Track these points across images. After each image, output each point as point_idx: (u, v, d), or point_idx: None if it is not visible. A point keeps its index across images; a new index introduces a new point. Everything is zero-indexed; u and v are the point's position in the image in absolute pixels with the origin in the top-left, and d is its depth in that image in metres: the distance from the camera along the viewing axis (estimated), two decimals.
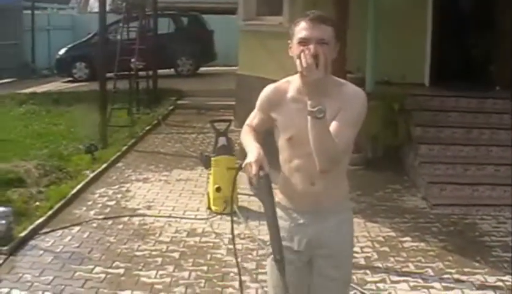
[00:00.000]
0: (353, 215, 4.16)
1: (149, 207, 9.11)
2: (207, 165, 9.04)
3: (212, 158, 8.84)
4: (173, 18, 26.95)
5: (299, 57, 3.55)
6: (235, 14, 17.47)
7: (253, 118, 4.17)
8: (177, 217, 8.65)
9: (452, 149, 10.53)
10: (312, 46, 3.59)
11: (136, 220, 8.58)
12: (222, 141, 8.88)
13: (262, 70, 13.79)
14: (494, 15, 13.21)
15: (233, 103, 15.70)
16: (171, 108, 17.72)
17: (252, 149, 3.88)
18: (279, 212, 3.93)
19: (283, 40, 12.40)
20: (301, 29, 3.72)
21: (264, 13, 14.45)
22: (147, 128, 14.72)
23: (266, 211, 3.77)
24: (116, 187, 10.17)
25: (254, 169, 3.71)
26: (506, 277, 6.92)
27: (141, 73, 17.42)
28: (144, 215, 8.76)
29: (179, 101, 18.75)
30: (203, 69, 26.91)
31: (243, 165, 3.81)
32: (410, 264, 7.16)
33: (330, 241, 3.94)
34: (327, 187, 3.88)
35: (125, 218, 8.63)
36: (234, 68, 17.04)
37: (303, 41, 3.67)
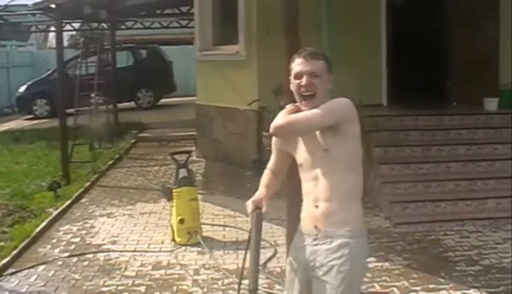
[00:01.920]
0: (363, 242, 4.18)
1: (114, 242, 9.06)
2: (169, 197, 9.04)
3: (174, 190, 8.84)
4: (132, 51, 26.96)
5: (297, 90, 4.11)
6: (193, 44, 17.54)
7: (271, 159, 4.52)
8: (142, 251, 8.60)
9: (412, 168, 10.62)
10: (304, 79, 4.06)
11: (101, 256, 8.52)
12: (183, 172, 8.87)
13: (221, 99, 13.93)
14: (447, 33, 13.42)
15: (194, 133, 15.72)
16: (132, 141, 17.76)
17: (257, 193, 4.34)
18: (296, 234, 4.33)
19: (240, 68, 12.59)
20: (296, 65, 4.15)
21: (221, 43, 14.54)
22: (110, 162, 14.71)
23: (252, 244, 4.10)
24: (80, 223, 10.11)
25: (250, 209, 4.21)
26: (471, 291, 6.98)
27: (101, 107, 17.40)
28: (109, 250, 8.71)
29: (140, 134, 18.79)
30: (163, 101, 26.97)
31: (246, 204, 4.28)
32: (375, 284, 7.19)
33: (323, 263, 4.07)
34: (330, 210, 4.08)
35: (90, 255, 8.57)
36: (194, 98, 17.10)
37: (298, 76, 4.11)
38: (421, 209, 9.80)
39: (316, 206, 4.12)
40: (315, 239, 4.12)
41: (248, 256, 4.08)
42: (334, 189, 4.08)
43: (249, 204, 4.22)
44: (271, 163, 4.50)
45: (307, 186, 4.20)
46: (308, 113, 4.02)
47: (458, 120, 11.90)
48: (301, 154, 4.20)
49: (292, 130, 4.10)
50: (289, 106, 4.19)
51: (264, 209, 4.20)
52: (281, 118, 4.08)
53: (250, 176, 12.59)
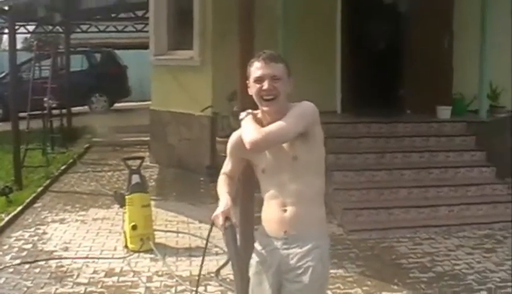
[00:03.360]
0: (328, 244, 4.30)
1: (66, 249, 8.94)
2: (121, 203, 8.97)
3: (126, 196, 8.76)
4: (86, 55, 26.72)
5: (257, 94, 4.06)
6: (148, 49, 17.43)
7: (227, 165, 4.47)
8: (94, 258, 8.50)
9: (366, 175, 10.68)
10: (266, 83, 4.02)
11: (53, 262, 8.40)
12: (135, 178, 8.80)
13: (175, 104, 13.87)
14: (403, 42, 13.53)
15: (148, 138, 15.64)
16: (86, 146, 17.61)
17: (221, 201, 4.24)
18: (259, 236, 4.31)
19: (195, 73, 12.53)
20: (256, 69, 4.09)
21: (176, 47, 14.48)
22: (63, 167, 14.55)
23: (231, 259, 4.15)
24: (32, 229, 9.97)
25: (220, 221, 4.12)
26: None
27: (54, 111, 17.26)
28: (61, 257, 8.59)
29: (94, 139, 18.61)
30: (117, 105, 26.81)
31: (212, 217, 4.18)
32: (329, 292, 7.18)
33: (297, 266, 4.11)
34: (299, 214, 4.10)
35: (42, 262, 8.44)
36: (148, 103, 17.02)
37: (258, 80, 4.06)
38: (374, 216, 9.86)
39: (284, 210, 4.12)
40: (285, 243, 4.14)
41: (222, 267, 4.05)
42: (301, 194, 4.10)
43: (218, 216, 4.14)
44: (226, 168, 4.46)
45: (271, 190, 4.17)
46: (281, 124, 3.95)
47: (411, 127, 12.02)
48: (264, 160, 4.16)
49: (269, 143, 4.02)
50: (244, 115, 4.16)
51: (234, 220, 4.14)
52: (255, 132, 3.98)
53: (204, 182, 12.58)
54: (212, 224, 4.19)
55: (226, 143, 12.23)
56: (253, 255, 4.31)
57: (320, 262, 4.12)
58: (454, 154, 11.36)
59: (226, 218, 4.11)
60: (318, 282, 4.13)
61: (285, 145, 4.07)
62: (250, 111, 4.18)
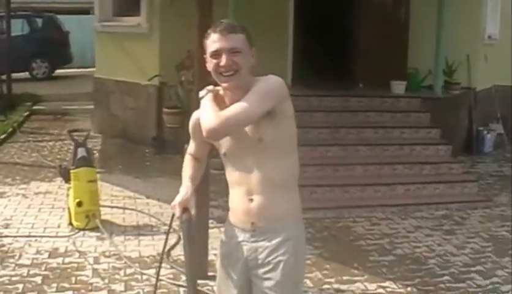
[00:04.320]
0: (303, 234, 3.83)
1: (6, 226, 8.35)
2: (66, 178, 8.40)
3: (71, 171, 8.22)
4: (27, 19, 25.79)
5: (215, 70, 3.57)
6: (91, 14, 16.85)
7: (191, 145, 3.98)
8: (37, 236, 7.94)
9: (319, 150, 10.32)
10: (224, 57, 3.53)
11: None
12: (81, 152, 8.26)
13: (120, 73, 13.38)
14: (357, 14, 13.18)
15: (91, 107, 15.08)
16: (26, 114, 16.82)
17: (182, 189, 3.77)
18: (226, 226, 3.86)
19: (142, 41, 11.99)
20: (212, 42, 3.59)
21: (122, 14, 13.92)
22: (2, 136, 13.84)
23: (185, 258, 3.77)
24: None
25: (178, 212, 3.65)
26: (387, 283, 6.73)
27: None
28: (1, 235, 8.01)
29: (34, 107, 17.90)
30: (59, 72, 26.04)
31: (171, 206, 3.71)
32: None
33: (266, 261, 3.65)
34: (267, 203, 3.62)
35: None
36: (91, 70, 16.44)
37: (215, 54, 3.56)
38: (328, 194, 9.53)
39: (251, 200, 3.63)
40: (252, 236, 3.67)
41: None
42: (269, 180, 3.60)
43: (176, 207, 3.66)
44: (191, 149, 3.97)
45: (235, 175, 3.70)
46: (243, 105, 3.45)
47: (365, 102, 11.72)
48: (225, 143, 3.67)
49: (229, 129, 3.53)
50: (204, 93, 3.67)
51: (193, 212, 3.67)
52: (212, 117, 3.48)
53: (150, 154, 12.15)
54: (173, 215, 3.74)
55: (173, 114, 11.80)
56: (220, 245, 3.88)
57: (292, 256, 3.63)
58: (409, 131, 11.10)
59: (184, 210, 3.64)
60: (292, 278, 3.67)
61: (249, 126, 3.58)
62: (211, 87, 3.69)
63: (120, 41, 13.54)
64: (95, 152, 12.32)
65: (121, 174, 10.88)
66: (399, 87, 12.21)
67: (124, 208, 9.08)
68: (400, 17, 12.71)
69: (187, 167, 3.94)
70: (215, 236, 6.77)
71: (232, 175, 3.73)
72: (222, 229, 3.94)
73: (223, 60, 3.52)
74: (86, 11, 25.12)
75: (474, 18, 13.45)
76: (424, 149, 10.80)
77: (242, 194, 3.67)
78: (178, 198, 3.69)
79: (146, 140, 12.50)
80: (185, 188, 3.75)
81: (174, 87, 11.76)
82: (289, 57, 12.83)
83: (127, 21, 13.57)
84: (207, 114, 3.52)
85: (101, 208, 8.52)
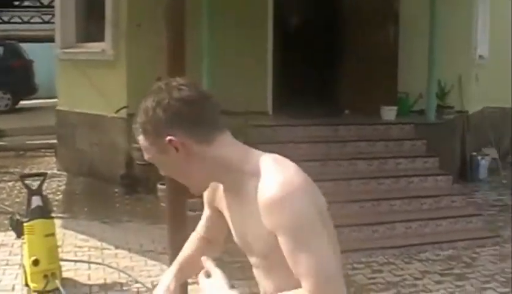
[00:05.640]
0: None
1: None
2: (19, 232, 7.12)
3: (25, 224, 6.94)
4: None
5: None
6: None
7: (202, 220, 2.91)
8: None
9: None
10: None
11: None
12: (36, 201, 6.98)
13: (85, 104, 12.25)
14: (343, 36, 12.19)
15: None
16: None
17: (165, 276, 2.83)
18: None
19: (107, 69, 10.79)
20: None
21: (86, 40, 12.82)
22: None
23: None
24: None
25: None
26: None
27: None
28: None
29: None
30: (22, 103, 24.84)
31: None
32: None
33: None
34: None
35: None
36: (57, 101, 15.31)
37: None
38: None
39: None
40: None
41: None
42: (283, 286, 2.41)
43: None
44: (200, 225, 2.93)
45: (253, 269, 2.64)
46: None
47: (355, 130, 10.72)
48: (231, 226, 2.64)
49: None
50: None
51: None
52: None
53: (119, 194, 10.97)
54: None
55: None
56: None
57: None
58: (404, 161, 10.10)
59: None
60: None
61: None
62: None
63: (84, 70, 12.42)
64: (58, 192, 11.23)
65: (87, 220, 9.68)
66: (389, 113, 11.22)
67: (90, 262, 7.88)
68: (389, 37, 11.71)
69: (186, 248, 2.94)
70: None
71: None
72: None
73: None
74: (52, 39, 23.99)
75: (465, 37, 12.59)
76: (422, 180, 9.82)
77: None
78: (159, 289, 2.75)
79: (115, 178, 11.35)
80: (170, 276, 2.80)
81: None
82: (269, 83, 11.81)
83: (90, 47, 12.48)
84: None
85: (63, 263, 7.36)
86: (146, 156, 2.43)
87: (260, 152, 2.45)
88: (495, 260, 8.17)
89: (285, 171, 2.32)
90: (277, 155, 2.42)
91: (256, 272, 2.62)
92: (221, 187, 2.55)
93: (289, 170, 2.33)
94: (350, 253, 8.09)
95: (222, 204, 2.60)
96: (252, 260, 2.57)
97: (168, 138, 2.32)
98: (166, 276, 2.81)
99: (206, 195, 2.73)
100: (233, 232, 2.61)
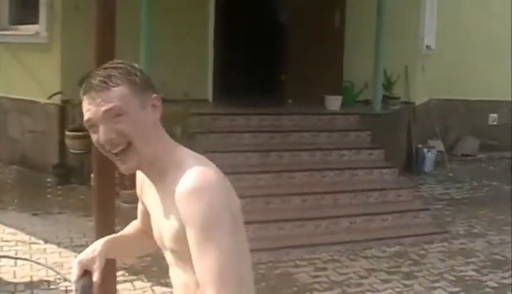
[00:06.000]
0: None
1: None
2: None
3: None
4: None
5: (101, 148, 2.40)
6: None
7: (138, 212, 2.87)
8: None
9: (248, 179, 8.77)
10: (101, 130, 2.34)
11: None
12: None
13: (16, 89, 11.68)
14: (286, 22, 11.79)
15: None
16: None
17: (94, 244, 2.69)
18: None
19: (41, 53, 10.24)
20: (84, 110, 2.39)
21: (19, 22, 12.19)
22: None
23: None
24: None
25: (74, 274, 2.56)
26: None
27: None
28: None
29: None
30: None
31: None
32: None
33: None
34: None
35: None
36: None
37: (91, 126, 2.38)
38: (262, 231, 8.00)
39: None
40: None
41: None
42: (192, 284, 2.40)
43: (74, 267, 2.57)
44: (138, 215, 2.86)
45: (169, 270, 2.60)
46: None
47: (298, 120, 10.33)
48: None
49: None
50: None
51: (95, 278, 2.53)
52: None
53: (52, 184, 10.42)
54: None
55: (77, 137, 10.02)
56: None
57: None
58: (349, 153, 9.75)
59: (85, 272, 2.56)
60: None
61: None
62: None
63: (16, 53, 11.80)
64: None
65: (16, 211, 9.13)
66: (334, 102, 10.87)
67: (16, 258, 7.37)
68: (334, 23, 11.36)
69: (127, 228, 2.93)
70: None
71: None
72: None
73: (102, 135, 2.34)
74: None
75: (413, 26, 12.34)
76: (367, 173, 9.49)
77: None
78: (81, 255, 2.63)
79: (48, 168, 10.79)
80: (100, 242, 2.68)
81: (78, 106, 10.15)
82: (209, 69, 11.36)
83: (23, 29, 11.86)
84: None
85: None
86: (117, 104, 2.31)
87: (184, 147, 2.47)
88: (443, 257, 7.87)
89: (204, 167, 2.33)
90: (198, 154, 2.44)
91: (171, 271, 2.56)
92: (146, 180, 2.53)
93: (208, 167, 2.34)
94: (292, 250, 7.77)
95: (146, 198, 2.62)
96: (167, 256, 2.54)
97: (155, 95, 2.40)
98: (98, 243, 2.67)
99: (137, 187, 2.69)
100: (153, 227, 2.57)
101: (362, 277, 7.09)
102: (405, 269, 7.40)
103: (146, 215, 2.69)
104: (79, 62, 9.67)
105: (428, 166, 12.40)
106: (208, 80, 11.38)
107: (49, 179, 10.59)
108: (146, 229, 2.76)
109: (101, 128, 2.32)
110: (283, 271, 7.20)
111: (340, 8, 11.33)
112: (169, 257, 2.51)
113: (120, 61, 2.43)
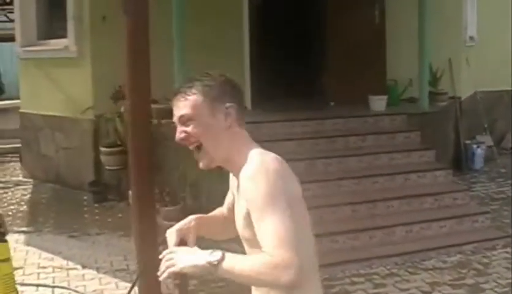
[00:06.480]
0: None
1: None
2: None
3: None
4: None
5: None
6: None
7: (225, 200, 3.16)
8: None
9: None
10: (177, 129, 2.80)
11: None
12: None
13: (48, 105, 11.36)
14: (322, 20, 11.32)
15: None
16: None
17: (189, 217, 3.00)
18: None
19: (71, 67, 9.84)
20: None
21: (48, 36, 11.90)
22: None
23: None
24: None
25: (172, 240, 2.84)
26: None
27: None
28: None
29: None
30: None
31: (167, 233, 2.91)
32: None
33: None
34: None
35: None
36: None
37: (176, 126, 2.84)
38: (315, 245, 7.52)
39: None
40: None
41: None
42: None
43: (171, 234, 2.87)
44: (225, 204, 3.12)
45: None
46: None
47: (342, 124, 9.83)
48: None
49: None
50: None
51: (191, 246, 2.78)
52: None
53: (88, 203, 10.05)
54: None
55: (112, 153, 9.61)
56: None
57: None
58: (399, 156, 9.21)
59: (181, 242, 2.83)
60: None
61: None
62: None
63: (46, 69, 11.53)
64: (22, 203, 10.33)
65: (52, 233, 8.78)
66: (379, 103, 10.35)
67: (53, 287, 6.97)
68: (374, 19, 10.85)
69: (212, 212, 3.17)
70: None
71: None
72: None
73: (177, 133, 2.81)
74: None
75: (455, 17, 11.80)
76: (420, 176, 8.94)
77: None
78: (179, 224, 2.95)
79: (83, 185, 10.45)
80: (192, 217, 3.01)
81: (112, 120, 9.80)
82: (246, 76, 10.89)
83: (53, 44, 11.58)
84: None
85: (24, 288, 6.48)
86: (187, 112, 2.72)
87: (257, 146, 2.77)
88: (509, 264, 7.32)
89: (263, 157, 2.63)
90: (266, 151, 2.71)
91: None
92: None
93: (269, 156, 2.64)
94: (346, 265, 7.28)
95: (232, 188, 2.93)
96: (245, 246, 2.79)
97: (228, 104, 2.74)
98: (190, 218, 2.96)
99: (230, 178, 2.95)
100: (235, 217, 2.83)
101: (425, 293, 6.57)
102: (470, 281, 6.87)
103: (232, 206, 2.93)
104: (110, 74, 9.42)
105: (478, 163, 11.87)
106: (246, 87, 10.92)
107: (85, 197, 10.29)
108: (231, 218, 2.91)
109: (178, 128, 2.75)
110: (340, 289, 6.71)
111: (380, 4, 10.81)
112: (246, 247, 2.76)
113: (206, 72, 2.82)
